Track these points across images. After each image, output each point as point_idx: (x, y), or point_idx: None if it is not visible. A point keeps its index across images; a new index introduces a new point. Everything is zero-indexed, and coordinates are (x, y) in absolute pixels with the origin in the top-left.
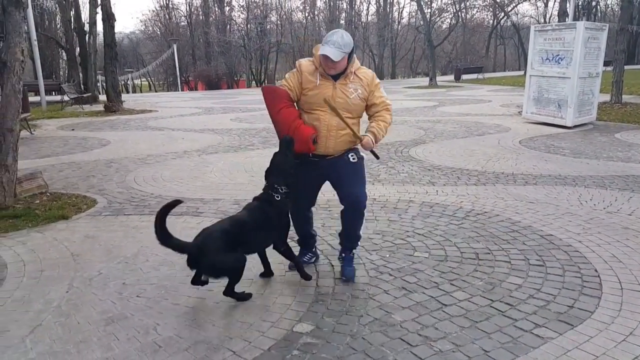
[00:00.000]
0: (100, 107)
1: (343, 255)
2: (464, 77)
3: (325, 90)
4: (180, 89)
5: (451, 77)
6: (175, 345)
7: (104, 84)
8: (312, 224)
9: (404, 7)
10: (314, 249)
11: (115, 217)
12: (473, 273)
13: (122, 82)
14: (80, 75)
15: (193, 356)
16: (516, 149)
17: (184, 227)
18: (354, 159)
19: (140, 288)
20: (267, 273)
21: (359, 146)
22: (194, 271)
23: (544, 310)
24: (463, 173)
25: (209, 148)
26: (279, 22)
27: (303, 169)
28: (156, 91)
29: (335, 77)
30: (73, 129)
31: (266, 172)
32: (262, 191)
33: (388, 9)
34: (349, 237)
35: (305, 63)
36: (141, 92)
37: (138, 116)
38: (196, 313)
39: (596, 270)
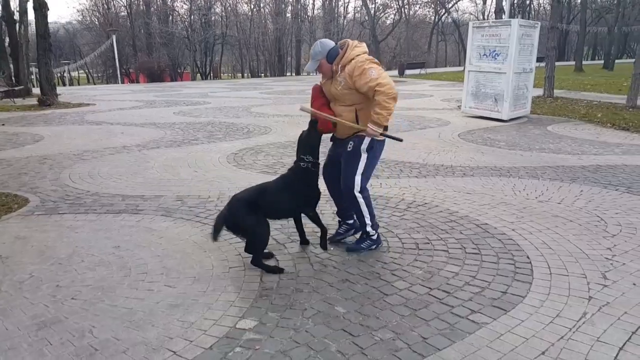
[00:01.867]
0: (34, 101)
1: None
2: (408, 72)
3: (328, 86)
4: (120, 82)
5: (395, 72)
6: (113, 348)
7: (38, 77)
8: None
9: (349, 2)
10: (351, 221)
11: (48, 217)
12: (413, 262)
13: (58, 75)
14: (11, 67)
15: (131, 358)
16: (455, 142)
17: (122, 226)
18: (350, 147)
19: (75, 290)
20: (303, 241)
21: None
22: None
23: (479, 297)
24: (405, 166)
25: (150, 143)
26: (223, 13)
27: (333, 146)
28: (95, 84)
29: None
30: (3, 124)
31: (297, 148)
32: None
33: (334, 4)
34: (356, 220)
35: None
36: (79, 84)
37: (74, 110)
38: (134, 314)
39: (528, 257)
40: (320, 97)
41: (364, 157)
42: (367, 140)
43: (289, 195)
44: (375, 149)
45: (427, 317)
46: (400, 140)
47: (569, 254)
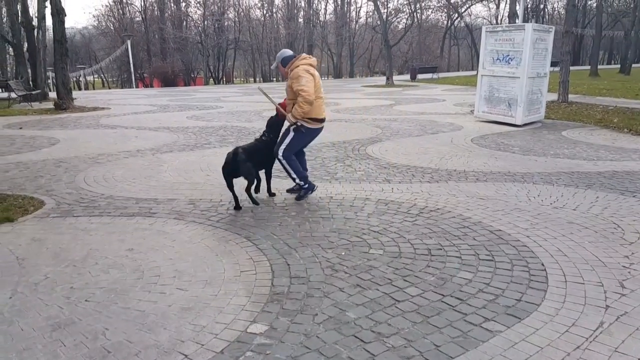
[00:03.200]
0: (50, 105)
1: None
2: (420, 76)
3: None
4: (134, 86)
5: (407, 77)
6: (125, 350)
7: (54, 81)
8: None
9: (361, 6)
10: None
11: (63, 219)
12: (425, 269)
13: (74, 79)
14: (29, 71)
15: None
16: (468, 147)
17: (135, 229)
18: (286, 126)
19: (89, 292)
20: (269, 191)
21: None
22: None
23: (493, 304)
24: (417, 171)
25: (163, 147)
26: (236, 19)
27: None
28: (110, 88)
29: None
30: (21, 128)
31: (265, 126)
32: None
33: (346, 8)
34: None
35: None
36: (94, 89)
37: (90, 114)
38: (147, 316)
39: (543, 264)
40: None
41: (291, 135)
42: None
43: (257, 154)
44: (305, 134)
45: (439, 325)
46: (295, 125)
47: (584, 262)
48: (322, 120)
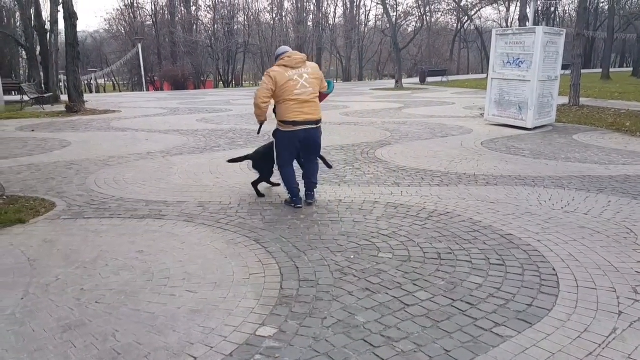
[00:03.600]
0: (62, 108)
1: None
2: (429, 79)
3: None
4: (145, 89)
5: (416, 80)
6: (135, 352)
7: (66, 84)
8: (309, 174)
9: (370, 10)
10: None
11: (74, 221)
12: (435, 273)
13: (85, 82)
14: (41, 74)
15: None
16: (478, 151)
17: (146, 231)
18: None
19: (100, 294)
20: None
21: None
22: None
23: (504, 309)
24: (427, 174)
25: (173, 149)
26: (246, 22)
27: None
28: (120, 91)
29: None
30: (33, 130)
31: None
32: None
33: (355, 12)
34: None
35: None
36: (105, 92)
37: (101, 117)
38: (157, 319)
39: (554, 269)
40: None
41: (274, 142)
42: (273, 130)
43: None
44: (280, 138)
45: (449, 329)
46: (258, 133)
47: (597, 267)
48: (294, 124)
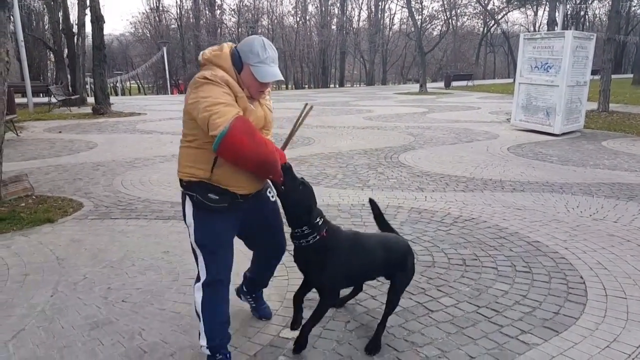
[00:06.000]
0: (88, 110)
1: (254, 295)
2: (454, 84)
3: (259, 112)
4: (169, 92)
5: (441, 84)
6: (161, 351)
7: (92, 86)
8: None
9: (395, 13)
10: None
11: (101, 221)
12: (460, 279)
13: (111, 85)
14: (69, 77)
15: None
16: (504, 156)
17: (171, 232)
18: (272, 196)
19: (126, 293)
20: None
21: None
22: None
23: (530, 317)
24: (452, 179)
25: None
26: (270, 26)
27: (242, 207)
28: (145, 94)
29: None
30: (60, 131)
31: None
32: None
33: (379, 15)
34: (266, 281)
35: (227, 77)
36: (130, 94)
37: (126, 119)
38: (182, 318)
39: (582, 277)
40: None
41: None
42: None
43: None
44: None
45: (474, 336)
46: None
47: (626, 276)
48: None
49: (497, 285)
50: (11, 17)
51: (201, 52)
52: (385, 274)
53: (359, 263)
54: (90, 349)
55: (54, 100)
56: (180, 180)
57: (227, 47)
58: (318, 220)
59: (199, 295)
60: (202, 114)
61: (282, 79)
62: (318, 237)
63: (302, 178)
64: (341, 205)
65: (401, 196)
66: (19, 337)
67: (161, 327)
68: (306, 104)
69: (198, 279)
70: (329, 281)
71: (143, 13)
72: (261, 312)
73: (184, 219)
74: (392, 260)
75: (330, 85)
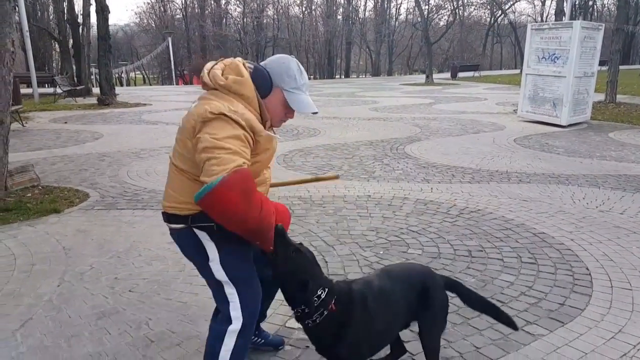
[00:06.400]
0: (94, 100)
1: (256, 332)
2: (461, 74)
3: (276, 144)
4: (175, 83)
5: (448, 75)
6: (168, 340)
7: (98, 77)
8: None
9: (401, 3)
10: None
11: (107, 212)
12: (466, 270)
13: (116, 75)
14: (74, 67)
15: (185, 351)
16: (511, 147)
17: None
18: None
19: (133, 283)
20: None
21: None
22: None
23: (535, 308)
24: (458, 171)
25: None
26: (275, 16)
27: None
28: (150, 84)
29: None
30: (66, 122)
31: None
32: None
33: (386, 5)
34: (266, 310)
35: (248, 115)
36: (135, 85)
37: (132, 109)
38: (188, 308)
39: (587, 269)
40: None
41: None
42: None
43: None
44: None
45: (480, 327)
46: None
47: (632, 267)
48: None
49: (503, 276)
50: (16, 7)
51: (210, 73)
52: (410, 319)
53: (383, 323)
54: (98, 339)
55: (59, 90)
56: (176, 216)
57: (243, 68)
58: (320, 293)
59: (229, 343)
60: (201, 154)
61: (318, 112)
62: (326, 313)
63: (299, 243)
64: (347, 196)
65: (407, 187)
66: (27, 326)
67: (168, 317)
68: (337, 176)
69: (227, 321)
70: (352, 358)
71: (148, 3)
72: (274, 340)
73: (196, 259)
74: (410, 299)
75: (336, 76)
